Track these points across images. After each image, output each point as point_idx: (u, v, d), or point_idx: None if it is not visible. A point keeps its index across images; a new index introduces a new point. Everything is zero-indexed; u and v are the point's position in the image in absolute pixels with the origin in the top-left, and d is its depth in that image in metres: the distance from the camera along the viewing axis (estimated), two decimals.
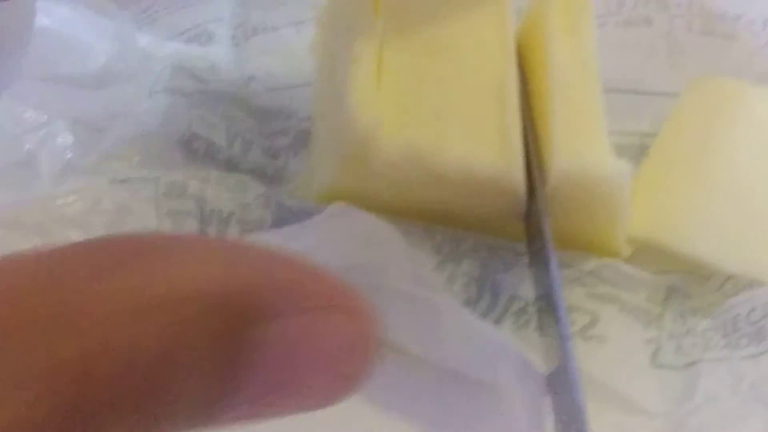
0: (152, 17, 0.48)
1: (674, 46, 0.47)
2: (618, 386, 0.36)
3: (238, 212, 0.39)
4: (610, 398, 0.36)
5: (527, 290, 0.38)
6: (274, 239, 0.37)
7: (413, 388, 0.36)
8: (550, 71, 0.38)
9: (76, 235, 0.37)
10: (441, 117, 0.37)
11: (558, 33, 0.39)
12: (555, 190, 0.37)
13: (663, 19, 0.47)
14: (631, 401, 0.36)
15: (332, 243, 0.36)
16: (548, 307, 0.36)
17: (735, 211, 0.40)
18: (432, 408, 0.36)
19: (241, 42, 0.48)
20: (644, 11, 0.47)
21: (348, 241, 0.36)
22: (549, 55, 0.39)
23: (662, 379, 0.36)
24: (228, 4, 0.49)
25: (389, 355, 0.36)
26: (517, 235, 0.39)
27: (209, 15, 0.48)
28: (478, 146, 0.37)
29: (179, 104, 0.43)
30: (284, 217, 0.39)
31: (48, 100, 0.43)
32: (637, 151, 0.44)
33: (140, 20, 0.48)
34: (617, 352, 0.37)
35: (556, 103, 0.38)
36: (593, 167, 0.37)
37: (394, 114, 0.37)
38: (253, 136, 0.44)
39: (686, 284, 0.40)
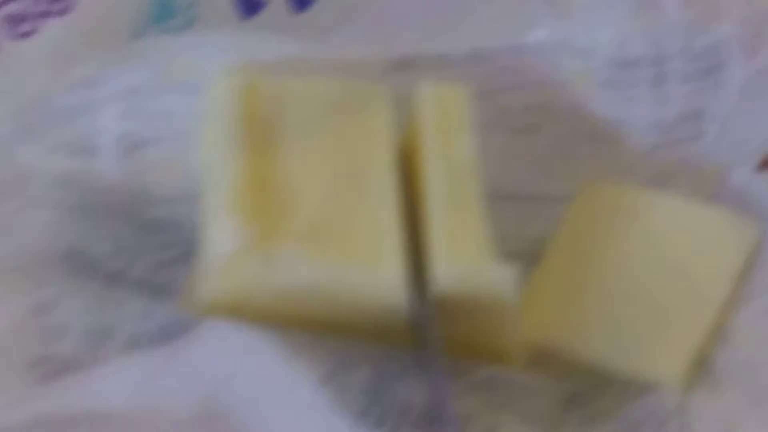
0: (32, 130, 0.46)
1: (562, 152, 0.47)
2: None
3: (118, 326, 0.37)
4: None
5: (421, 399, 0.36)
6: (151, 360, 0.35)
7: None
8: (427, 177, 0.38)
9: None
10: (317, 228, 0.37)
11: (433, 139, 0.39)
12: (439, 297, 0.36)
13: (549, 126, 0.47)
14: None
15: (208, 360, 0.35)
16: (440, 416, 0.35)
17: (630, 314, 0.40)
18: None
19: (127, 155, 0.46)
20: (530, 119, 0.47)
21: (224, 357, 0.35)
22: (425, 161, 0.38)
23: None
24: (111, 116, 0.47)
25: None
26: (407, 343, 0.37)
27: (92, 128, 0.47)
28: (354, 255, 0.36)
29: (62, 219, 0.41)
30: (167, 332, 0.37)
31: None
32: (530, 257, 0.43)
33: (19, 134, 0.46)
34: None
35: (433, 210, 0.37)
36: (474, 274, 0.36)
37: (267, 225, 0.36)
38: (139, 248, 0.42)
39: (585, 390, 0.39)
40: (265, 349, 0.35)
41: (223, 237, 0.36)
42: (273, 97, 0.40)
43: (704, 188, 0.45)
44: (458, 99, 0.40)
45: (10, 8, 0.49)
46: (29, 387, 0.35)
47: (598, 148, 0.47)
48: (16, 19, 0.49)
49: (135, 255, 0.42)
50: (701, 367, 0.39)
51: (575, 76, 0.46)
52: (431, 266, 0.36)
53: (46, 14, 0.49)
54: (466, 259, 0.36)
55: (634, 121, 0.46)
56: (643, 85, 0.45)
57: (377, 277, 0.36)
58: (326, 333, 0.37)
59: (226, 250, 0.36)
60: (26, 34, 0.49)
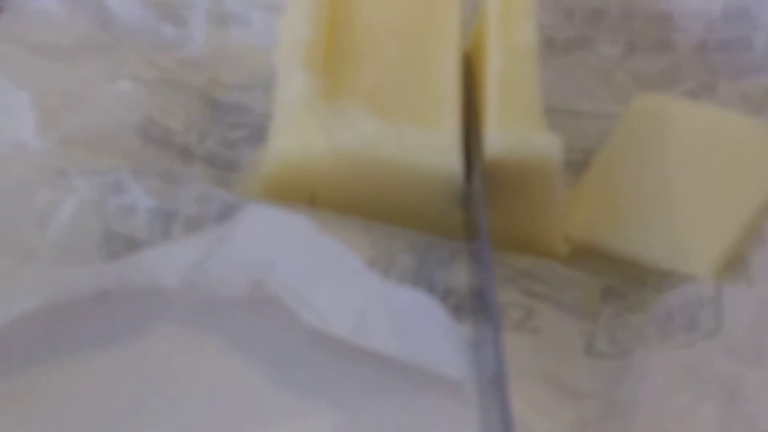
0: None
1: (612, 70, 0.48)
2: (551, 371, 0.36)
3: (181, 209, 0.39)
4: (542, 381, 0.36)
5: (463, 286, 0.38)
6: (202, 244, 0.37)
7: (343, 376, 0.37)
8: (488, 57, 0.40)
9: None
10: (381, 90, 0.39)
11: (497, 25, 0.41)
12: (489, 167, 0.38)
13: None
14: (563, 384, 0.36)
15: (254, 246, 0.37)
16: (482, 301, 0.36)
17: (669, 213, 0.41)
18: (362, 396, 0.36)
19: (211, 33, 0.49)
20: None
21: (270, 243, 0.37)
22: (488, 44, 0.40)
23: (595, 366, 0.37)
24: None
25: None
26: (456, 230, 0.39)
27: None
28: (413, 117, 0.38)
29: (140, 91, 0.44)
30: (226, 214, 0.39)
31: (14, 65, 0.44)
32: (580, 165, 0.44)
33: None
34: (551, 341, 0.37)
35: (490, 84, 0.39)
36: (523, 140, 0.38)
37: (335, 82, 0.39)
38: (210, 126, 0.45)
39: (623, 285, 0.40)
40: (310, 234, 0.36)
41: (293, 87, 0.39)
42: None
43: (750, 99, 0.46)
44: None
45: None
46: (97, 261, 0.38)
47: (646, 60, 0.48)
48: None
49: (205, 132, 0.44)
50: (736, 265, 0.40)
51: None
52: (483, 132, 0.38)
53: None
54: (517, 126, 0.38)
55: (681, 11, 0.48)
56: None
57: (433, 138, 0.38)
58: (376, 210, 0.39)
59: (295, 98, 0.38)
60: None
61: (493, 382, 0.32)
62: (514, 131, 0.38)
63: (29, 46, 0.46)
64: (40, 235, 0.38)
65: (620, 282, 0.40)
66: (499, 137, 0.38)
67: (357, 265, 0.35)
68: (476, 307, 0.37)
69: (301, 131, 0.39)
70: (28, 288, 0.36)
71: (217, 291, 0.38)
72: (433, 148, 0.38)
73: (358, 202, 0.39)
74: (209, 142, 0.44)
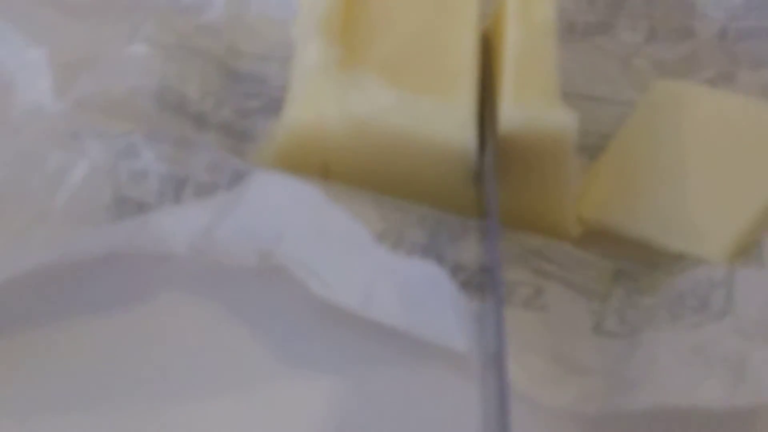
0: None
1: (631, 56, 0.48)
2: (557, 348, 0.36)
3: (192, 176, 0.39)
4: (548, 358, 0.35)
5: (473, 262, 0.38)
6: (210, 210, 0.37)
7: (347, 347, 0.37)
8: (506, 35, 0.39)
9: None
10: (398, 61, 0.39)
11: (516, 4, 0.40)
12: (503, 142, 0.37)
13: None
14: (569, 360, 0.35)
15: (263, 210, 0.37)
16: (491, 278, 0.36)
17: (683, 197, 0.41)
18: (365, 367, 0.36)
19: (232, 2, 0.49)
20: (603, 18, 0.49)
21: (278, 209, 0.37)
22: (506, 22, 0.40)
23: (603, 344, 0.36)
24: None
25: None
26: (468, 206, 0.39)
27: None
28: (429, 89, 0.38)
29: (156, 56, 0.44)
30: (237, 183, 0.38)
31: (34, 20, 0.44)
32: (596, 150, 0.44)
33: None
34: (560, 319, 0.37)
35: (508, 60, 0.39)
36: (538, 114, 0.37)
37: (352, 51, 0.39)
38: (225, 94, 0.45)
39: (634, 268, 0.40)
40: (319, 205, 0.36)
41: (309, 55, 0.38)
42: None
43: None
44: None
45: None
46: (108, 223, 0.38)
47: (667, 47, 0.48)
48: None
49: (220, 100, 0.44)
50: (750, 250, 0.39)
51: None
52: (498, 106, 0.38)
53: None
54: (532, 101, 0.38)
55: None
56: None
57: (448, 111, 0.38)
58: (389, 183, 0.39)
59: (311, 66, 0.38)
60: None
61: (495, 358, 0.32)
62: (528, 106, 0.38)
63: (50, 3, 0.46)
64: (50, 197, 0.38)
65: (632, 264, 0.40)
66: (513, 112, 0.37)
67: (365, 237, 0.35)
68: (485, 283, 0.37)
69: (316, 100, 0.39)
70: (36, 246, 0.36)
71: (225, 259, 0.38)
72: (447, 121, 0.38)
73: (370, 174, 0.39)
74: (224, 110, 0.44)
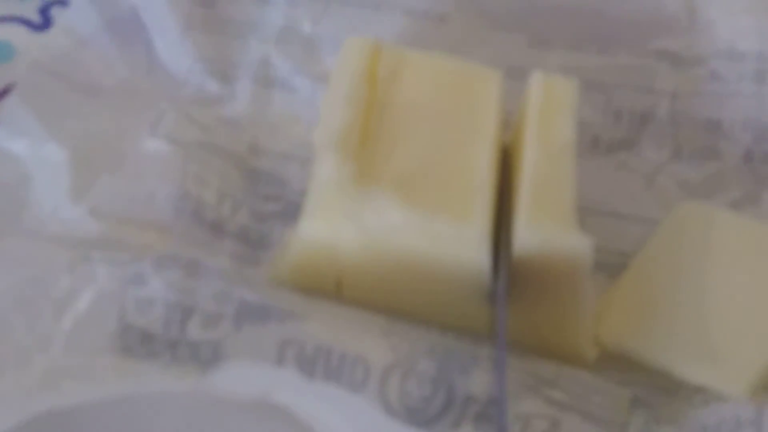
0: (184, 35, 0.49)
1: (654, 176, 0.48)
2: None
3: (199, 306, 0.38)
4: None
5: (484, 394, 0.37)
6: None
7: None
8: (524, 152, 0.39)
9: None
10: (413, 179, 0.38)
11: (536, 119, 0.40)
12: (517, 264, 0.37)
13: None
14: None
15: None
16: (497, 414, 0.35)
17: (705, 326, 0.40)
18: None
19: (256, 94, 0.49)
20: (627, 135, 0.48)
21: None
22: (525, 139, 0.40)
23: None
24: (258, 48, 0.50)
25: None
26: (482, 326, 0.38)
27: (236, 51, 0.49)
28: (444, 209, 0.38)
29: (177, 155, 0.44)
30: (243, 314, 0.38)
31: (55, 109, 0.44)
32: (615, 268, 0.43)
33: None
34: None
35: (525, 180, 0.38)
36: (553, 238, 0.37)
37: (367, 168, 0.38)
38: (244, 196, 0.44)
39: (652, 395, 0.39)
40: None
41: (325, 170, 0.38)
42: (393, 60, 0.42)
43: None
44: (566, 87, 0.41)
45: None
46: (113, 357, 0.37)
47: (692, 166, 0.47)
48: None
49: (238, 202, 0.44)
50: None
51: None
52: (513, 228, 0.37)
53: None
54: (547, 224, 0.37)
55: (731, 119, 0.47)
56: (746, 81, 0.47)
57: (462, 232, 0.37)
58: (402, 300, 0.39)
59: (326, 182, 0.38)
60: None
61: None
62: (543, 229, 0.37)
63: (74, 85, 0.46)
64: (56, 322, 0.37)
65: (649, 392, 0.39)
66: (527, 234, 0.37)
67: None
68: (493, 418, 0.36)
69: (331, 214, 0.39)
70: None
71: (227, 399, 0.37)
72: (461, 241, 0.37)
73: (383, 291, 0.39)
74: (242, 214, 0.44)
